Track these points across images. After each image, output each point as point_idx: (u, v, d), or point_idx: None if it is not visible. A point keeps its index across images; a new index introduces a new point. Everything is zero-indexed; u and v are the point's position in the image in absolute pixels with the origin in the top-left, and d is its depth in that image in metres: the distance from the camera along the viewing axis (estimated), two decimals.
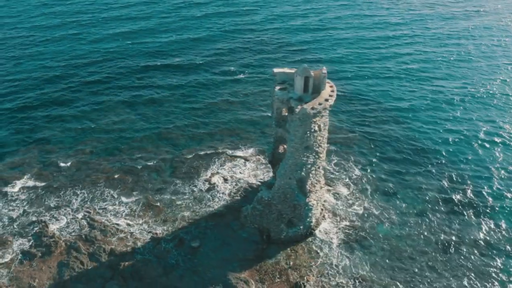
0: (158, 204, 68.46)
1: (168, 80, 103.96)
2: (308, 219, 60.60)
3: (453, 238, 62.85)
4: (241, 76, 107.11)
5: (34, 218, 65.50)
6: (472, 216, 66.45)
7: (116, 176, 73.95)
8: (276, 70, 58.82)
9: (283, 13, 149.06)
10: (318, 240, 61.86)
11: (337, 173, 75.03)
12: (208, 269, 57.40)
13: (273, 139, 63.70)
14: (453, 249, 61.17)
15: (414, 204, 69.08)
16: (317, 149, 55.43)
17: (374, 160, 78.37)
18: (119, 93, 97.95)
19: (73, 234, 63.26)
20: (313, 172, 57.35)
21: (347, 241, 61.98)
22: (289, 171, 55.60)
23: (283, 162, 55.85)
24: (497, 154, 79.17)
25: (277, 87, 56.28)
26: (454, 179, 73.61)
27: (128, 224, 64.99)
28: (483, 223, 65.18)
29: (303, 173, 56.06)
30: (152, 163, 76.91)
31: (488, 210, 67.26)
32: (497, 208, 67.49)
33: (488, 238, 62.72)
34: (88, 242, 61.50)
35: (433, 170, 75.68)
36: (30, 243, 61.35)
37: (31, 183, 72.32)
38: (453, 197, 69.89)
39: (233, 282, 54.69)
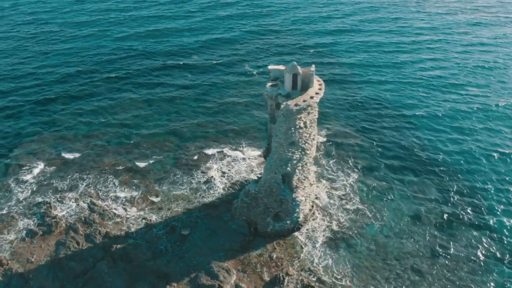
0: (158, 193, 71.31)
1: (183, 78, 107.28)
2: (295, 215, 61.71)
3: (444, 244, 62.01)
4: (255, 77, 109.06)
5: (40, 199, 69.89)
6: (467, 227, 64.72)
7: (121, 165, 77.59)
8: (270, 67, 60.32)
9: (305, 15, 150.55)
10: (305, 236, 62.75)
11: (334, 173, 75.58)
12: (194, 257, 59.53)
13: (268, 134, 65.17)
14: (441, 255, 60.37)
15: (409, 208, 68.53)
16: (303, 145, 56.52)
17: (375, 163, 78.10)
18: (135, 90, 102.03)
19: (74, 216, 67.11)
20: (300, 168, 58.45)
21: (333, 239, 62.52)
22: (274, 165, 57.01)
23: (269, 157, 57.40)
24: (505, 170, 76.28)
25: (269, 84, 57.85)
26: (455, 189, 71.67)
27: (125, 210, 68.24)
28: (476, 234, 63.45)
29: (288, 169, 57.30)
30: (156, 155, 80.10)
31: (484, 223, 65.26)
32: (493, 222, 65.43)
33: (479, 249, 61.10)
34: (86, 224, 65.11)
35: (436, 179, 74.11)
36: (34, 222, 65.62)
37: (42, 167, 77.07)
38: (451, 206, 68.35)
39: (215, 270, 56.53)
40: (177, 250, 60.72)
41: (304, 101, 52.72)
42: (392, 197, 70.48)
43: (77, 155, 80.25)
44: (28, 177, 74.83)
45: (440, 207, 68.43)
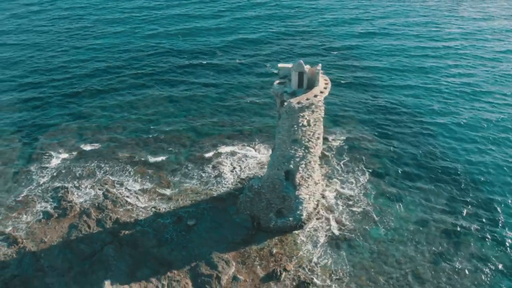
0: (169, 183, 73.69)
1: (206, 77, 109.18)
2: (298, 212, 62.38)
3: (448, 253, 60.85)
4: (276, 77, 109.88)
5: (58, 184, 73.69)
6: (476, 238, 62.93)
7: (137, 157, 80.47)
8: (280, 65, 61.32)
9: (333, 17, 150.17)
10: (307, 234, 63.28)
11: (345, 174, 75.51)
12: (197, 247, 61.32)
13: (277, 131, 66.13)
14: (444, 263, 59.31)
15: (417, 214, 67.59)
16: (306, 143, 57.18)
17: (388, 168, 77.20)
18: (159, 86, 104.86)
19: (88, 201, 70.40)
20: (303, 166, 59.12)
21: (335, 239, 62.71)
22: (277, 162, 57.97)
23: (272, 153, 58.39)
24: None
25: (277, 81, 58.93)
26: (468, 200, 69.67)
27: (137, 198, 70.93)
28: (485, 247, 61.72)
29: (291, 166, 58.09)
30: (172, 148, 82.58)
31: (494, 236, 63.11)
32: (504, 236, 63.23)
33: (486, 262, 59.37)
34: (99, 210, 68.17)
35: (449, 188, 72.26)
36: (50, 205, 69.36)
37: (63, 155, 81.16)
38: (461, 216, 66.74)
39: (215, 260, 58.04)
40: (182, 240, 62.66)
41: (307, 99, 53.40)
42: (401, 202, 69.70)
43: (97, 145, 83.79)
44: (49, 163, 78.96)
45: (449, 216, 67.04)
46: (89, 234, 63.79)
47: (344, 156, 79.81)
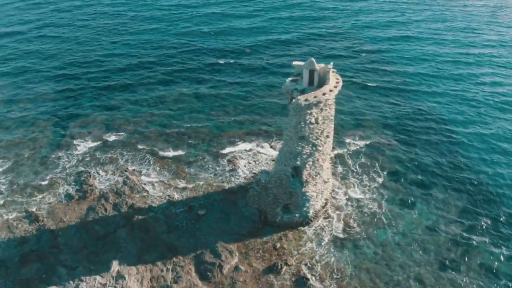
0: (185, 174, 76.28)
1: (233, 76, 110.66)
2: (304, 209, 63.10)
3: (455, 260, 59.60)
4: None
5: (82, 169, 77.91)
6: (486, 250, 61.34)
7: (159, 147, 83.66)
8: (294, 63, 62.44)
9: (367, 20, 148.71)
10: (312, 231, 63.85)
11: (359, 176, 75.32)
12: (204, 235, 63.38)
13: None
14: (450, 270, 58.28)
15: (429, 220, 66.54)
16: (314, 141, 57.87)
17: (404, 172, 75.88)
18: (186, 83, 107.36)
19: (108, 186, 74.06)
20: (311, 163, 59.80)
21: (341, 239, 62.85)
22: (284, 158, 59.01)
23: (280, 149, 59.43)
24: None
25: (289, 79, 60.06)
26: (485, 213, 67.31)
27: (153, 186, 73.88)
28: (496, 259, 60.03)
29: (298, 162, 58.94)
30: (192, 140, 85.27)
31: (507, 251, 61.52)
32: None
33: (494, 273, 58.02)
34: (117, 195, 71.63)
35: (466, 198, 70.09)
36: (73, 188, 73.55)
37: (90, 142, 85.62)
38: (474, 227, 64.94)
39: (219, 249, 59.83)
40: (191, 228, 64.89)
41: (315, 97, 54.18)
42: (414, 208, 68.75)
43: (122, 135, 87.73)
44: (76, 150, 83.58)
45: (462, 226, 65.21)
46: (105, 216, 67.21)
47: (361, 157, 79.56)
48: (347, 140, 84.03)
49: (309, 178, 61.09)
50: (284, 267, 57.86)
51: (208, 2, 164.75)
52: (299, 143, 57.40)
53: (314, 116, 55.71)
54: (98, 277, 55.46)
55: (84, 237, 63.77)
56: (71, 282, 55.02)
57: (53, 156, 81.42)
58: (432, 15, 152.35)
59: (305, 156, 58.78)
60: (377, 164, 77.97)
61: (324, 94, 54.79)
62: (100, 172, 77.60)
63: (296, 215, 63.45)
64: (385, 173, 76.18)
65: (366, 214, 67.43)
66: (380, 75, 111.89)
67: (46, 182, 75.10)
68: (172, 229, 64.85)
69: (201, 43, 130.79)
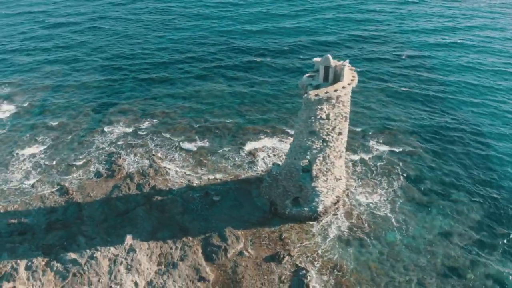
0: (206, 161, 79.64)
1: (267, 75, 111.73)
2: (314, 204, 64.20)
3: (463, 268, 58.40)
4: None
5: (114, 150, 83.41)
6: (498, 260, 59.73)
7: (187, 134, 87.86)
8: (315, 59, 63.28)
9: (415, 24, 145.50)
10: (320, 226, 64.77)
11: (377, 177, 75.05)
12: (215, 220, 66.19)
13: None
14: (455, 278, 57.21)
15: (442, 226, 65.48)
16: (325, 137, 58.87)
17: (425, 177, 74.75)
18: (221, 79, 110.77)
19: (135, 167, 78.86)
20: (321, 159, 60.78)
21: (348, 236, 63.21)
22: (294, 151, 60.47)
23: (291, 143, 60.93)
24: None
25: (307, 74, 61.51)
26: (503, 229, 64.91)
27: (176, 171, 77.83)
28: (505, 272, 58.15)
29: (308, 157, 60.19)
30: (219, 131, 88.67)
31: None
32: None
33: (500, 285, 56.43)
34: (141, 176, 76.22)
35: (485, 210, 67.93)
36: (103, 167, 79.03)
37: (125, 127, 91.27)
38: (489, 236, 63.42)
39: (227, 234, 62.38)
40: (204, 212, 67.99)
41: (326, 92, 55.21)
42: (429, 214, 67.70)
43: (155, 122, 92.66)
44: (111, 133, 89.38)
45: (476, 238, 63.27)
46: (127, 195, 71.85)
47: (383, 160, 79.06)
48: (371, 143, 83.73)
49: (319, 173, 62.09)
50: (286, 257, 59.36)
51: (255, 1, 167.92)
52: (309, 138, 58.62)
53: (325, 112, 56.71)
54: (112, 248, 59.87)
55: (106, 211, 68.61)
56: (88, 250, 59.73)
57: (90, 137, 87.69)
58: (483, 23, 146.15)
59: (315, 151, 59.90)
60: (398, 168, 77.23)
61: (336, 90, 55.65)
62: (130, 154, 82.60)
63: (305, 209, 64.63)
64: (405, 177, 75.30)
65: (378, 215, 67.30)
66: (416, 81, 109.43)
67: (80, 160, 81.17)
68: (187, 212, 68.17)
69: (241, 41, 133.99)
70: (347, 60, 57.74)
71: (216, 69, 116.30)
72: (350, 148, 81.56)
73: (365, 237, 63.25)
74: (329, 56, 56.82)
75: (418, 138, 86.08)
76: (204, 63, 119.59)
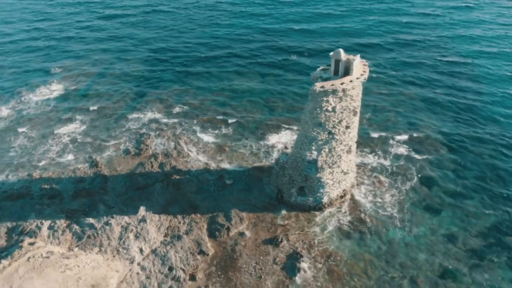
0: (226, 148, 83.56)
1: (299, 72, 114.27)
2: (319, 194, 65.94)
3: (460, 271, 57.65)
4: (373, 75, 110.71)
5: (145, 131, 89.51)
6: (497, 268, 58.26)
7: (213, 122, 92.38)
8: (331, 53, 65.17)
9: (465, 32, 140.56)
10: (323, 217, 66.31)
11: (392, 175, 75.15)
12: (224, 201, 69.85)
13: None
14: (450, 279, 56.64)
15: (449, 227, 64.82)
16: (330, 129, 60.44)
17: (441, 179, 74.08)
18: (256, 73, 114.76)
19: (160, 148, 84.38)
20: (327, 151, 62.35)
21: (348, 229, 64.29)
22: (300, 142, 62.58)
23: (299, 133, 63.09)
24: None
25: (321, 67, 63.51)
26: (509, 238, 62.97)
27: (197, 155, 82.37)
28: (503, 279, 56.77)
29: (313, 147, 62.08)
30: (243, 120, 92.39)
31: None
32: None
33: None
34: (165, 156, 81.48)
35: (497, 218, 66.19)
36: (132, 145, 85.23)
37: (158, 111, 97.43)
38: (495, 245, 61.90)
39: (232, 215, 65.79)
40: (215, 193, 71.86)
41: (332, 85, 56.91)
42: (437, 215, 67.12)
43: (185, 109, 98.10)
44: (145, 116, 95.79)
45: (481, 243, 62.02)
46: (149, 172, 77.31)
47: (401, 160, 78.90)
48: (392, 143, 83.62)
49: (325, 165, 63.69)
50: (284, 242, 61.67)
51: (303, 0, 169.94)
52: (315, 129, 60.47)
53: (331, 104, 58.34)
54: (126, 217, 65.28)
55: (127, 184, 74.42)
56: (105, 217, 65.54)
57: (125, 120, 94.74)
58: None
59: (320, 143, 61.64)
60: (414, 170, 76.73)
61: (342, 83, 57.19)
62: (158, 136, 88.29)
63: (310, 199, 66.49)
64: (420, 180, 74.67)
65: (384, 213, 67.65)
66: (455, 88, 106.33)
67: (113, 139, 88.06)
68: (200, 191, 72.34)
69: (282, 39, 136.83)
70: (358, 55, 59.05)
71: (251, 65, 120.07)
72: (369, 146, 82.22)
73: (366, 232, 64.02)
74: (340, 50, 58.45)
75: (443, 145, 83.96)
76: (241, 59, 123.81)
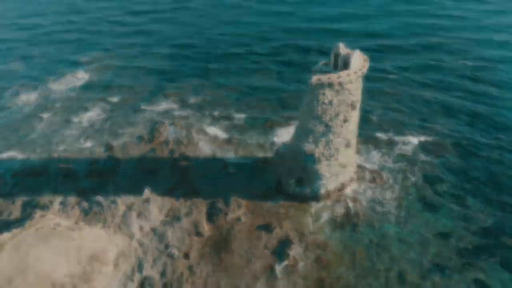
0: (235, 140, 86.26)
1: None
2: (316, 186, 67.52)
3: (450, 269, 58.02)
4: (393, 76, 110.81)
5: (158, 119, 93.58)
6: (491, 268, 58.25)
7: (225, 113, 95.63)
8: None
9: (490, 36, 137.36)
10: (318, 208, 67.89)
11: (393, 172, 75.67)
12: (226, 189, 72.50)
13: None
14: (438, 276, 57.08)
15: (445, 225, 65.00)
16: (327, 122, 61.92)
17: (443, 179, 73.97)
18: (273, 70, 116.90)
19: (172, 136, 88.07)
20: (324, 144, 63.86)
21: (343, 221, 65.53)
22: (298, 133, 64.37)
23: (297, 125, 64.95)
24: None
25: (322, 62, 65.11)
26: (506, 240, 62.44)
27: (206, 144, 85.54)
28: (493, 279, 56.74)
29: (310, 139, 63.73)
30: (255, 114, 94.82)
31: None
32: None
33: None
34: (176, 144, 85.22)
35: (496, 219, 65.91)
36: (146, 132, 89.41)
37: (174, 101, 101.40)
38: (490, 246, 61.73)
39: (231, 201, 68.45)
40: (218, 180, 74.67)
41: (329, 78, 58.45)
42: (435, 213, 67.34)
43: (200, 102, 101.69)
44: (160, 105, 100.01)
45: (477, 242, 62.09)
46: (159, 157, 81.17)
47: (406, 158, 79.08)
48: (400, 142, 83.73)
49: (322, 157, 65.18)
50: (277, 229, 63.70)
51: (329, 1, 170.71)
52: (312, 121, 62.10)
53: (328, 97, 59.84)
54: (131, 197, 69.24)
55: (137, 168, 78.43)
56: (112, 196, 69.65)
57: (142, 109, 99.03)
58: None
59: (317, 135, 63.20)
60: (418, 166, 76.87)
61: (339, 77, 58.62)
62: (172, 125, 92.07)
63: (307, 190, 68.14)
64: (421, 175, 74.86)
65: (381, 208, 68.43)
66: (476, 94, 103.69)
67: (129, 126, 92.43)
68: (204, 176, 75.49)
69: (303, 38, 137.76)
70: (358, 50, 60.14)
71: (270, 63, 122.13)
72: (376, 143, 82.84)
73: (360, 225, 65.07)
74: (340, 44, 59.79)
75: (451, 148, 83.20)
76: (260, 56, 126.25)
